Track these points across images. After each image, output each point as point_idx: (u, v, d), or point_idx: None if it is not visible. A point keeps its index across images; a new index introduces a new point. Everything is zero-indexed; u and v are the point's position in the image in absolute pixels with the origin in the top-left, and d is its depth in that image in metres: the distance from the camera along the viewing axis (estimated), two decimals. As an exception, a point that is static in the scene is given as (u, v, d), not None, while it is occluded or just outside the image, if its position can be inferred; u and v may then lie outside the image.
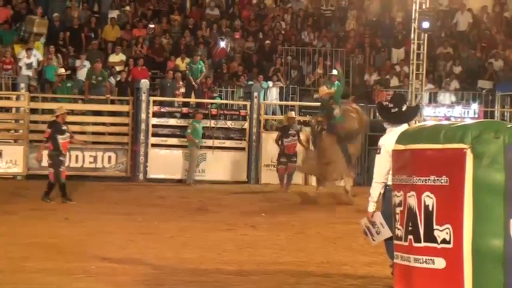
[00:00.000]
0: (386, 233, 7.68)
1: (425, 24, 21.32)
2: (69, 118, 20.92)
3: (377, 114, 20.64)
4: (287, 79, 23.59)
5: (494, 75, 24.11)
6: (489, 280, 6.23)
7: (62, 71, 21.46)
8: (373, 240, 8.03)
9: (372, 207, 7.97)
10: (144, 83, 21.12)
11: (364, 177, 20.51)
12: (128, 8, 24.77)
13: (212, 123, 21.17)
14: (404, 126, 7.87)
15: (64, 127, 16.42)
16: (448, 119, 21.15)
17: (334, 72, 22.55)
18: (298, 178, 20.19)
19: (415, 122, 11.61)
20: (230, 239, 11.98)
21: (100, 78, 21.31)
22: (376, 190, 7.93)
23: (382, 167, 7.80)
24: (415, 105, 16.03)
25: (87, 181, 19.70)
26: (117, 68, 22.38)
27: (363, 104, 21.96)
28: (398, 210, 6.92)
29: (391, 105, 8.17)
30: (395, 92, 20.87)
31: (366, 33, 25.28)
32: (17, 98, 21.13)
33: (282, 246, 11.41)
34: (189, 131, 20.59)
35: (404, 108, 8.16)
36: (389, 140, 7.60)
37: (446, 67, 24.44)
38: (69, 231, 12.31)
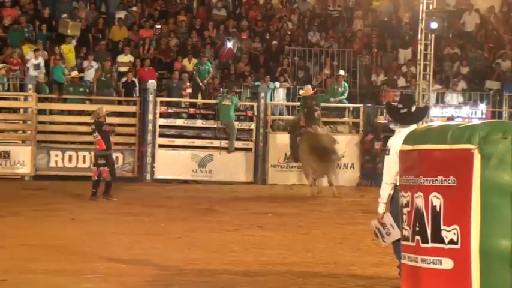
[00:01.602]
0: (397, 234, 7.65)
1: (434, 25, 21.25)
2: (77, 119, 21.08)
3: (385, 114, 20.63)
4: (294, 80, 23.54)
5: (502, 76, 24.02)
6: (497, 280, 6.21)
7: (75, 73, 21.46)
8: (384, 241, 8.03)
9: (381, 208, 7.96)
10: (152, 84, 21.11)
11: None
12: (135, 8, 24.75)
13: (219, 123, 21.15)
14: (413, 127, 7.83)
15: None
16: (455, 119, 21.08)
17: (341, 72, 22.61)
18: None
19: (423, 122, 11.59)
20: (236, 240, 11.98)
21: (109, 75, 21.47)
22: (385, 191, 7.91)
23: (392, 168, 7.77)
24: (423, 106, 16.01)
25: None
26: (125, 69, 22.38)
27: (370, 105, 21.97)
28: (405, 210, 6.90)
29: (400, 105, 8.15)
30: (402, 92, 20.81)
31: (373, 33, 25.23)
32: (25, 99, 21.16)
33: (289, 247, 11.40)
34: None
35: (413, 109, 8.14)
36: (398, 141, 7.56)
37: (453, 67, 24.38)
38: (75, 232, 12.32)
